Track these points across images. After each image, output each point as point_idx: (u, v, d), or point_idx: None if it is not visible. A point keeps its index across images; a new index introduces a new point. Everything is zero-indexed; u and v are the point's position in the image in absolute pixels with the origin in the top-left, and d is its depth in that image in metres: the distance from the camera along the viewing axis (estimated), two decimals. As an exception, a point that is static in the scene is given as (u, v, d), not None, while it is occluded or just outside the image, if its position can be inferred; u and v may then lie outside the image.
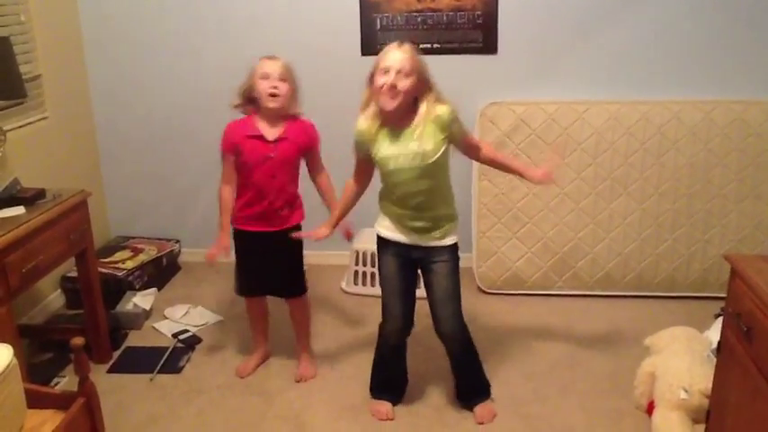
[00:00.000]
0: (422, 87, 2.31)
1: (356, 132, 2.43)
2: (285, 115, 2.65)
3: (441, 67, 3.57)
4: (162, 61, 3.84)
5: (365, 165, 2.51)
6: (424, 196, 2.40)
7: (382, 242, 2.55)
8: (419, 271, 2.57)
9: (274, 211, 2.70)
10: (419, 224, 2.45)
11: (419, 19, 3.61)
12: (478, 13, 3.57)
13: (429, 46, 3.61)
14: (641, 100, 3.50)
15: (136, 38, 3.82)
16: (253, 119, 2.66)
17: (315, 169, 2.79)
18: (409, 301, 2.57)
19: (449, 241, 2.49)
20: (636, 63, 3.56)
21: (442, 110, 2.32)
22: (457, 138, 2.39)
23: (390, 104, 2.27)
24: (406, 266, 2.54)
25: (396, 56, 2.27)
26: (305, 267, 2.90)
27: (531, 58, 3.62)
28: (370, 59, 3.61)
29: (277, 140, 2.63)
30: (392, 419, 2.66)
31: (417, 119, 2.32)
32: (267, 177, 2.65)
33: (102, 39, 3.82)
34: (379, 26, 3.64)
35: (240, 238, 2.80)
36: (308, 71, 3.76)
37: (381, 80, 2.26)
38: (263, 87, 2.57)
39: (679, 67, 3.54)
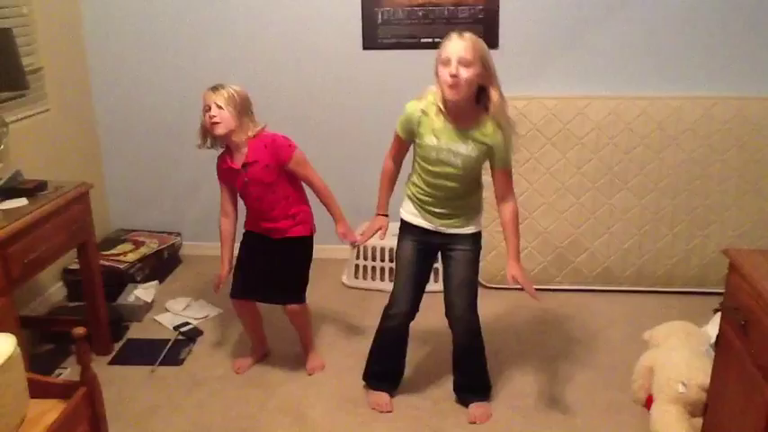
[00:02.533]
0: (486, 77, 2.27)
1: (409, 109, 2.39)
2: (245, 139, 2.63)
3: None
4: (163, 55, 3.85)
5: (404, 145, 2.50)
6: (455, 189, 2.42)
7: (405, 226, 2.56)
8: (438, 264, 2.60)
9: (272, 222, 2.74)
10: (443, 211, 2.46)
11: (420, 13, 3.61)
12: (480, 7, 3.57)
13: (430, 40, 3.61)
14: (641, 95, 3.50)
15: (137, 31, 3.82)
16: (226, 149, 2.72)
17: (303, 179, 2.75)
18: (419, 288, 2.58)
19: (471, 229, 2.51)
20: (636, 58, 3.56)
21: (498, 138, 2.33)
22: (495, 164, 2.40)
23: (453, 95, 2.24)
24: (424, 253, 2.55)
25: (456, 45, 2.23)
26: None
27: (532, 53, 3.62)
28: (372, 53, 3.69)
29: (245, 166, 2.64)
30: (391, 411, 2.67)
31: (478, 122, 2.32)
32: (254, 201, 2.72)
33: (103, 31, 3.83)
34: (380, 20, 3.64)
35: (246, 239, 2.84)
36: (310, 65, 3.80)
37: (443, 72, 2.24)
38: (205, 119, 2.61)
39: (679, 62, 3.55)
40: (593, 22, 3.55)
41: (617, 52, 3.57)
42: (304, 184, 2.79)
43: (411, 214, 2.53)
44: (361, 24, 3.66)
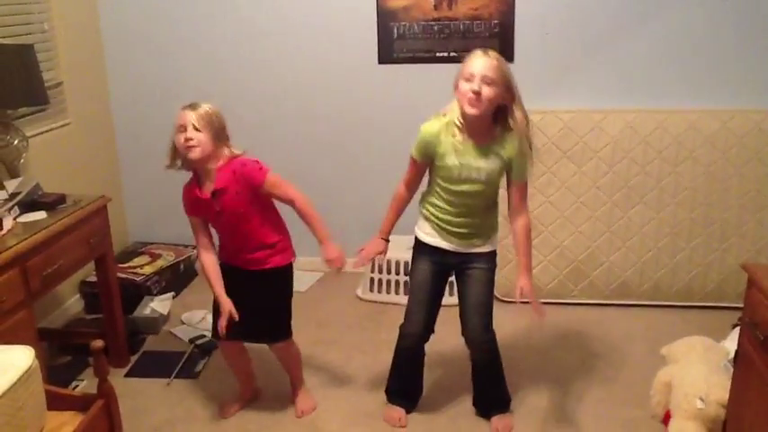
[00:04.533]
0: (507, 97, 2.29)
1: (425, 133, 2.38)
2: (216, 166, 2.42)
3: (457, 76, 3.61)
4: (180, 70, 3.89)
5: (422, 169, 2.47)
6: (474, 206, 2.42)
7: (420, 246, 2.55)
8: (453, 278, 2.59)
9: (249, 254, 2.52)
10: (462, 230, 2.46)
11: (436, 27, 3.63)
12: (495, 21, 3.58)
13: (446, 54, 3.63)
14: (658, 109, 3.49)
15: (155, 46, 3.87)
16: (195, 178, 2.50)
17: (282, 201, 2.51)
18: (434, 308, 2.58)
19: (488, 248, 2.50)
20: (652, 72, 3.55)
21: (517, 149, 2.33)
22: (514, 176, 2.41)
23: (472, 110, 2.25)
24: (439, 274, 2.55)
25: (480, 62, 2.24)
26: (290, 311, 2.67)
27: (548, 67, 3.62)
28: (387, 68, 3.71)
29: (213, 195, 2.43)
30: (404, 426, 2.67)
31: (498, 136, 2.33)
32: (226, 230, 2.53)
33: (122, 47, 3.88)
34: (396, 35, 3.66)
35: (222, 274, 2.58)
36: (325, 78, 3.82)
37: (465, 86, 2.24)
38: (179, 140, 2.38)
39: (696, 75, 3.53)
40: (609, 35, 3.54)
41: (633, 65, 3.56)
42: (281, 208, 2.56)
43: (428, 235, 2.51)
44: (376, 39, 3.68)
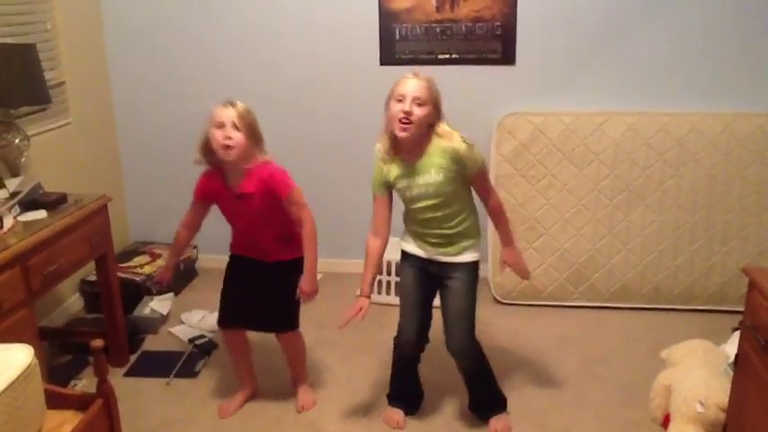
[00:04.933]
0: (435, 116, 2.34)
1: (375, 168, 2.46)
2: (246, 167, 2.45)
3: (459, 78, 3.63)
4: (182, 70, 3.89)
5: (386, 204, 2.50)
6: (442, 218, 2.44)
7: (404, 256, 2.60)
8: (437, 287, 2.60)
9: (264, 247, 2.58)
10: (437, 240, 2.48)
11: (438, 29, 3.63)
12: (497, 23, 3.58)
13: (448, 56, 3.63)
14: (660, 111, 3.49)
15: (157, 46, 3.87)
16: (219, 171, 2.52)
17: (295, 217, 2.51)
18: (424, 314, 2.58)
19: (465, 258, 2.50)
20: (655, 74, 3.55)
21: (458, 144, 2.33)
22: (469, 173, 2.41)
23: (403, 132, 2.29)
24: (424, 280, 2.55)
25: (411, 84, 2.29)
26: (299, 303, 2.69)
27: (550, 69, 3.62)
28: (389, 69, 3.71)
29: (241, 196, 2.47)
30: (403, 428, 2.67)
31: (430, 149, 2.35)
32: (245, 226, 2.58)
33: (124, 47, 3.88)
34: (398, 36, 3.66)
35: (232, 263, 2.68)
36: (327, 79, 3.82)
37: (396, 107, 2.28)
38: (217, 138, 2.37)
39: (699, 78, 3.53)
40: (611, 38, 3.54)
41: (636, 68, 3.56)
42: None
43: (408, 244, 2.57)
44: (378, 40, 3.68)
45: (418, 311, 2.56)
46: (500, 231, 2.57)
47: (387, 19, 3.64)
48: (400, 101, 2.28)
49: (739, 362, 2.09)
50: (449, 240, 2.47)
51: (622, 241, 3.56)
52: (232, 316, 2.68)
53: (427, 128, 2.34)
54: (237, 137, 2.36)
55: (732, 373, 2.20)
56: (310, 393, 2.85)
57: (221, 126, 2.37)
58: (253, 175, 2.45)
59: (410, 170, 2.38)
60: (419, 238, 2.52)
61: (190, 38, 3.83)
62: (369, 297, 2.53)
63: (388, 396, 2.77)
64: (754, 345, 1.93)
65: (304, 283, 2.55)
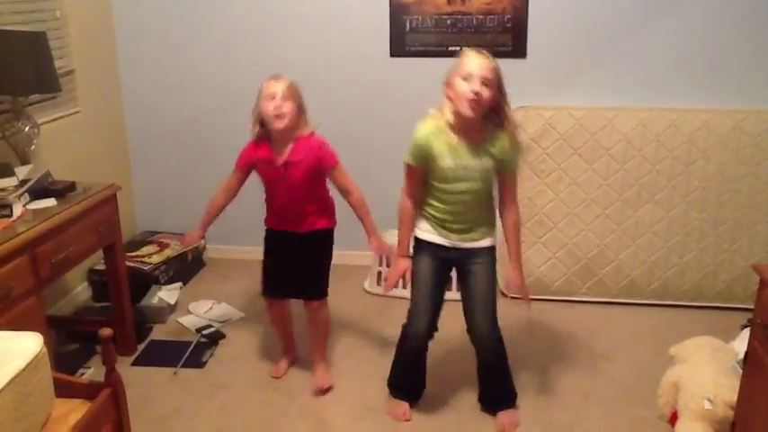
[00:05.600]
0: (500, 97, 2.31)
1: (418, 138, 2.38)
2: (294, 136, 2.61)
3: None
4: (192, 61, 3.89)
5: (420, 174, 2.46)
6: (471, 203, 2.43)
7: (420, 244, 2.56)
8: (454, 275, 2.60)
9: (300, 216, 2.71)
10: (459, 226, 2.47)
11: (449, 22, 3.61)
12: (508, 17, 3.56)
13: (458, 49, 3.56)
14: (671, 107, 3.47)
15: (167, 36, 3.87)
16: (265, 141, 2.65)
17: (339, 188, 2.72)
18: (437, 305, 2.57)
19: (487, 243, 2.50)
20: (666, 70, 3.53)
21: (518, 141, 2.37)
22: (506, 169, 2.41)
23: (471, 113, 2.25)
24: (440, 270, 2.54)
25: (479, 62, 2.25)
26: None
27: (560, 63, 3.61)
28: (399, 61, 3.69)
29: (286, 164, 2.61)
30: (409, 420, 2.67)
31: (488, 134, 2.34)
32: (286, 195, 2.67)
33: (134, 36, 3.88)
34: (408, 28, 3.65)
35: (269, 237, 2.82)
36: (337, 71, 3.81)
37: (464, 86, 2.24)
38: (268, 109, 2.53)
39: (710, 75, 3.51)
40: (622, 32, 3.52)
41: (647, 63, 3.54)
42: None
43: (426, 232, 2.52)
44: (389, 32, 3.67)
45: (431, 302, 2.55)
46: (513, 249, 2.54)
47: (397, 11, 3.63)
48: (467, 79, 2.24)
49: (749, 359, 2.08)
50: (472, 226, 2.47)
51: (631, 237, 3.55)
52: (274, 287, 2.84)
53: (488, 111, 2.31)
54: (288, 106, 2.53)
55: (741, 371, 2.19)
56: (327, 376, 2.91)
57: (272, 97, 2.53)
58: (301, 144, 2.60)
59: (461, 150, 2.35)
60: (442, 225, 2.48)
61: (200, 28, 3.83)
62: (409, 257, 2.57)
63: (388, 384, 2.77)
64: (765, 342, 1.92)
65: (376, 243, 2.73)
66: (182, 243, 2.95)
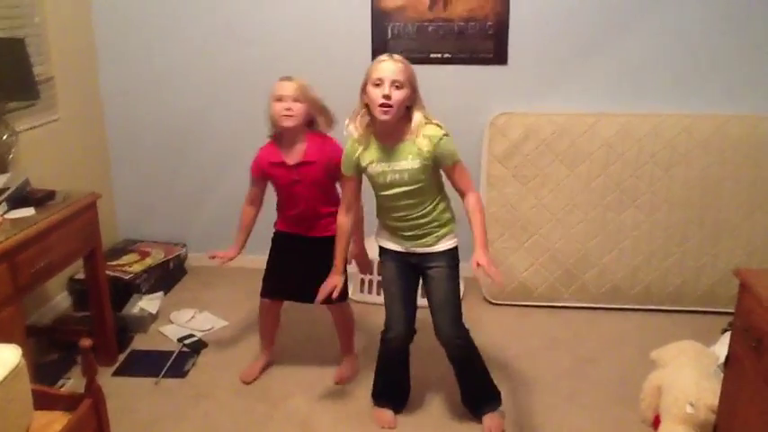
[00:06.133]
0: (413, 98, 2.33)
1: (348, 147, 2.44)
2: (307, 135, 2.65)
3: (451, 77, 3.63)
4: (173, 66, 3.86)
5: (356, 184, 2.50)
6: (414, 209, 2.43)
7: (382, 250, 2.59)
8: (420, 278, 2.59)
9: (313, 219, 2.74)
10: (410, 233, 2.47)
11: (430, 28, 3.62)
12: (490, 23, 3.58)
13: (440, 56, 3.62)
14: (651, 112, 3.50)
15: (148, 42, 3.84)
16: (276, 144, 2.69)
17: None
18: (410, 306, 2.57)
19: (443, 246, 2.49)
20: (646, 75, 3.56)
21: (434, 130, 2.34)
22: (444, 163, 2.39)
23: (385, 116, 2.28)
24: (405, 272, 2.55)
25: (389, 67, 2.28)
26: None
27: (542, 69, 3.63)
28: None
29: (298, 165, 2.64)
30: (394, 428, 2.66)
31: (409, 134, 2.35)
32: (300, 197, 2.70)
33: (114, 42, 3.85)
34: (390, 35, 3.65)
35: (278, 239, 2.85)
36: (318, 77, 3.77)
37: (376, 92, 2.27)
38: (278, 109, 2.58)
39: (690, 79, 3.54)
40: (603, 38, 3.55)
41: (627, 69, 3.57)
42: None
43: (384, 238, 2.57)
44: (371, 38, 3.67)
45: (403, 303, 2.55)
46: (476, 230, 2.40)
47: (379, 18, 3.63)
48: (378, 85, 2.27)
49: (730, 363, 2.10)
50: (424, 231, 2.46)
51: (613, 241, 3.57)
52: (275, 288, 2.87)
53: (405, 110, 2.33)
54: (297, 107, 2.58)
55: (722, 375, 2.20)
56: (352, 366, 2.99)
57: (281, 99, 2.58)
58: (315, 145, 2.64)
59: (386, 154, 2.37)
60: (394, 233, 2.51)
61: (180, 34, 3.81)
62: (341, 274, 2.56)
63: (373, 395, 2.76)
64: (746, 347, 1.94)
65: (355, 251, 2.81)
66: (217, 257, 2.82)
